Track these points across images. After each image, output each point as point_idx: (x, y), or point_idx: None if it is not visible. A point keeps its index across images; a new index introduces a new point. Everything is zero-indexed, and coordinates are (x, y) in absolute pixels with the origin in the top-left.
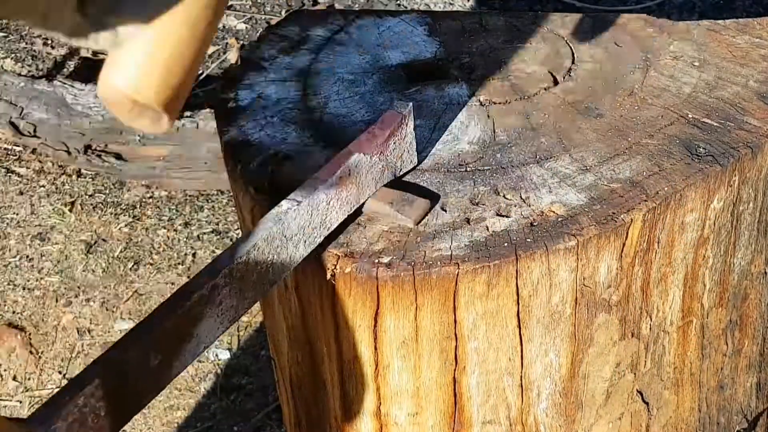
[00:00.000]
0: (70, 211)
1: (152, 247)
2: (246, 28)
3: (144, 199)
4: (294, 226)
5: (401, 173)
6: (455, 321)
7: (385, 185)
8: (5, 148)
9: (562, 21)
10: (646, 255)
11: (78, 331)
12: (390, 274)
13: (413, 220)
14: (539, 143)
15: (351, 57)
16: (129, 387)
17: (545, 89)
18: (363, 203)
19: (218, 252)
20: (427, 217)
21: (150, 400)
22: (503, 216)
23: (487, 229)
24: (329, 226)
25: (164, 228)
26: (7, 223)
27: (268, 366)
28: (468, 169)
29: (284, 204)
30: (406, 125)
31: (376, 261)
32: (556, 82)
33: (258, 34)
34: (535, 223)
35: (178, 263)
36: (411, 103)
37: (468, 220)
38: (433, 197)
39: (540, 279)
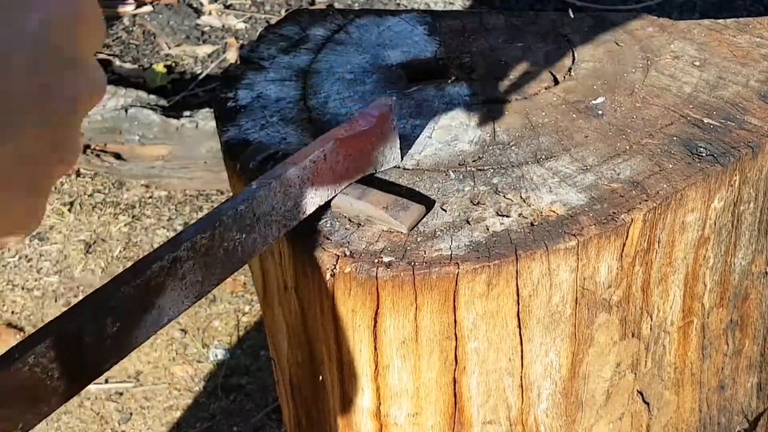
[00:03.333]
0: (69, 211)
1: (151, 247)
2: (245, 27)
3: (143, 199)
4: (265, 205)
5: (383, 168)
6: (455, 321)
7: (379, 189)
8: None
9: (563, 20)
10: (646, 255)
11: None
12: (390, 274)
13: (407, 225)
14: (539, 143)
15: (351, 56)
16: (85, 351)
17: (545, 89)
18: (338, 193)
19: None
20: (426, 218)
21: (110, 367)
22: (503, 216)
23: (487, 229)
24: (304, 210)
25: (163, 228)
26: None
27: (267, 366)
28: (468, 168)
29: (254, 184)
30: (388, 120)
31: (376, 261)
32: (556, 82)
33: (257, 34)
34: (535, 223)
35: None
36: (393, 98)
37: (468, 220)
38: (428, 203)
39: (540, 279)
